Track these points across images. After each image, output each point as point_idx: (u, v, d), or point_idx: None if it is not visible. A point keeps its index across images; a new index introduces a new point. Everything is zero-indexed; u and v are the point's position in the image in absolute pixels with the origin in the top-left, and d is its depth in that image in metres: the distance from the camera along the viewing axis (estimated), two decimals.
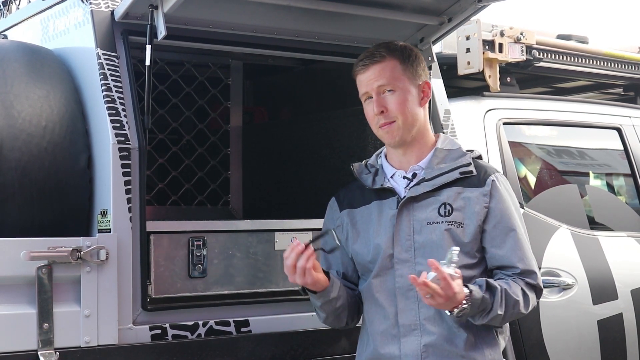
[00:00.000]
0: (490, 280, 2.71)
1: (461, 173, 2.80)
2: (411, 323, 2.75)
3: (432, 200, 2.78)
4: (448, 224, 2.74)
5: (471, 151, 2.89)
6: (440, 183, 2.79)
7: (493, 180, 2.80)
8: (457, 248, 2.59)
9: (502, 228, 2.76)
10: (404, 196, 2.80)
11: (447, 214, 2.76)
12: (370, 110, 2.84)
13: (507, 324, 2.87)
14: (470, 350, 2.72)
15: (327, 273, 2.81)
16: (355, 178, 2.96)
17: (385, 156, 2.93)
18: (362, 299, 2.90)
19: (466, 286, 2.62)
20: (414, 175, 2.84)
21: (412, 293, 2.74)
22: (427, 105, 2.89)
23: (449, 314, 2.62)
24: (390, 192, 2.84)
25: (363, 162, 2.98)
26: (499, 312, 2.67)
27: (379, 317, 2.81)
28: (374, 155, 2.98)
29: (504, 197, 2.79)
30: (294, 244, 2.70)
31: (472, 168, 2.81)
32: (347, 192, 2.98)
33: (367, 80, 2.83)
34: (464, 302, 2.59)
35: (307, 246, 2.69)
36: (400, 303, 2.77)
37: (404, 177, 2.86)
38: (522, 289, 2.73)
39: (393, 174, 2.88)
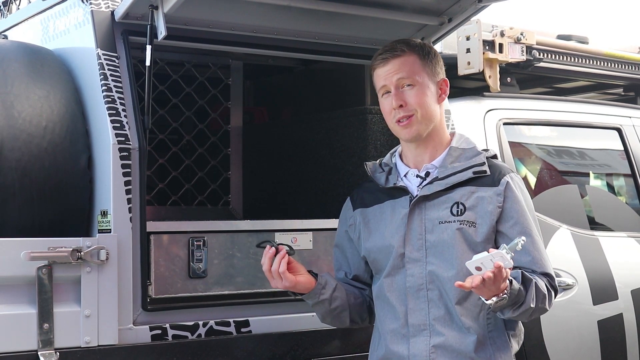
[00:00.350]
0: (525, 272, 2.67)
1: (475, 172, 2.77)
2: (421, 323, 2.73)
3: (444, 199, 2.76)
4: (460, 224, 2.72)
5: (486, 150, 2.87)
6: (453, 182, 2.76)
7: (507, 181, 2.76)
8: (524, 238, 2.53)
9: (518, 230, 2.73)
10: (417, 195, 2.79)
11: (459, 213, 2.73)
12: (387, 104, 2.81)
13: (522, 327, 2.85)
14: (480, 352, 2.70)
15: (316, 275, 2.84)
16: (368, 177, 2.95)
17: (400, 155, 2.92)
18: (374, 297, 2.89)
19: None
20: (427, 174, 2.82)
21: (423, 293, 2.74)
22: (443, 103, 2.87)
23: (487, 302, 2.56)
24: (403, 191, 2.82)
25: (377, 161, 2.97)
26: (532, 305, 2.63)
27: (390, 316, 2.79)
28: (389, 154, 2.96)
29: (519, 197, 2.76)
30: (267, 249, 2.79)
31: (485, 167, 2.78)
32: (360, 191, 2.96)
33: (386, 73, 2.80)
34: (505, 291, 2.54)
35: (277, 249, 2.78)
36: (411, 303, 2.75)
37: (417, 176, 2.84)
38: (545, 284, 2.71)
39: (406, 173, 2.86)
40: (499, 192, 2.75)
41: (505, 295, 2.54)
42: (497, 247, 2.72)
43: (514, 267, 2.68)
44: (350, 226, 2.94)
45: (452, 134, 2.90)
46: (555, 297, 2.78)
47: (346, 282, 2.96)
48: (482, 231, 2.72)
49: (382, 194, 2.87)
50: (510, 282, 2.56)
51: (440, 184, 2.77)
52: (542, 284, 2.70)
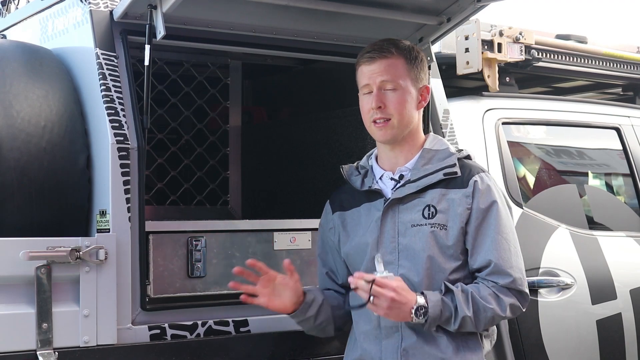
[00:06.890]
0: (448, 284, 2.68)
1: (445, 174, 2.77)
2: (392, 325, 2.74)
3: (417, 202, 2.77)
4: (432, 227, 2.72)
5: (460, 151, 2.87)
6: (425, 184, 2.77)
7: (475, 181, 2.76)
8: (379, 254, 2.60)
9: (482, 229, 2.73)
10: (389, 198, 2.80)
11: (430, 216, 2.74)
12: (367, 103, 2.82)
13: (495, 328, 2.84)
14: (450, 353, 2.70)
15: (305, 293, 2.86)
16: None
17: (376, 158, 2.93)
18: (350, 300, 2.90)
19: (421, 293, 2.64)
20: (401, 176, 2.83)
21: None
22: (422, 109, 2.88)
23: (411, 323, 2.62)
24: (378, 194, 2.84)
25: (354, 163, 2.98)
26: (467, 314, 2.63)
27: (364, 318, 2.81)
28: (365, 157, 2.98)
29: (486, 197, 2.75)
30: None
31: (456, 169, 2.78)
32: (339, 194, 2.99)
33: (371, 72, 2.81)
34: (414, 306, 2.59)
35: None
36: None
37: (392, 179, 2.85)
38: (493, 292, 2.68)
39: (382, 176, 2.88)
40: (467, 193, 2.75)
41: (421, 303, 2.59)
42: (466, 248, 2.74)
43: (476, 270, 2.72)
44: (330, 229, 2.96)
45: (427, 136, 2.90)
46: (525, 300, 2.74)
47: (333, 289, 2.98)
48: (453, 234, 2.72)
49: (359, 197, 2.89)
50: (424, 293, 2.61)
51: (412, 186, 2.77)
52: (484, 291, 2.67)
